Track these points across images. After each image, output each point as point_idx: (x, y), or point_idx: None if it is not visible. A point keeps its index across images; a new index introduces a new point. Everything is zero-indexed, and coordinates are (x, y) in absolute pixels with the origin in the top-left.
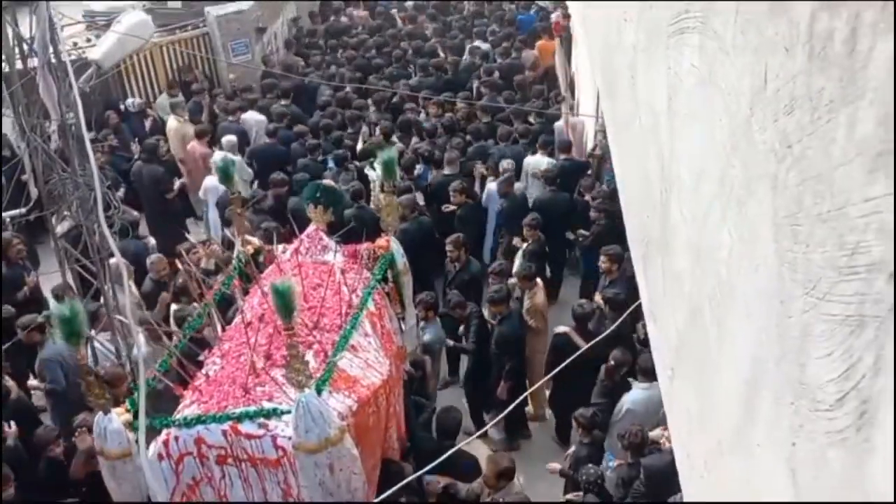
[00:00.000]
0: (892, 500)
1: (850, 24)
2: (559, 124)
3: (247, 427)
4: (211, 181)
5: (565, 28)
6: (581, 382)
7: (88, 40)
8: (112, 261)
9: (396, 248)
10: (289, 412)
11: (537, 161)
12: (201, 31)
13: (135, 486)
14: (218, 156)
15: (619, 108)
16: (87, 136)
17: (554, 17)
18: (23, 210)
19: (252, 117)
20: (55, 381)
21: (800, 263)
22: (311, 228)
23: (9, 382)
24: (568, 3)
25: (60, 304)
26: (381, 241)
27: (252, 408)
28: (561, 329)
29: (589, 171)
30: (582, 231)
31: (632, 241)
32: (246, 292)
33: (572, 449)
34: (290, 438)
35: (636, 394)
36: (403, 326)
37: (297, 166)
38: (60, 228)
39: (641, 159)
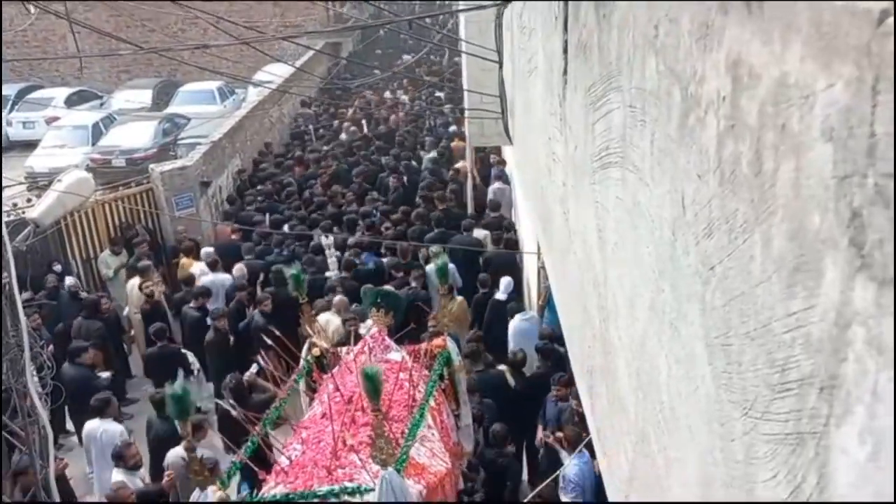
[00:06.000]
0: (892, 500)
1: (754, 148)
2: (494, 187)
3: None
4: (221, 278)
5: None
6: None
7: (29, 200)
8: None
9: (452, 346)
10: (371, 490)
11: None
12: (145, 188)
13: None
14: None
15: (555, 241)
16: (19, 297)
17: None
18: None
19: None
20: None
21: (735, 383)
22: (374, 330)
23: None
24: (504, 147)
25: (173, 385)
26: (437, 341)
27: (336, 486)
28: (501, 367)
29: None
30: None
31: (577, 373)
32: (313, 390)
33: None
34: None
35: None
36: (459, 424)
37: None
38: None
39: (579, 289)
